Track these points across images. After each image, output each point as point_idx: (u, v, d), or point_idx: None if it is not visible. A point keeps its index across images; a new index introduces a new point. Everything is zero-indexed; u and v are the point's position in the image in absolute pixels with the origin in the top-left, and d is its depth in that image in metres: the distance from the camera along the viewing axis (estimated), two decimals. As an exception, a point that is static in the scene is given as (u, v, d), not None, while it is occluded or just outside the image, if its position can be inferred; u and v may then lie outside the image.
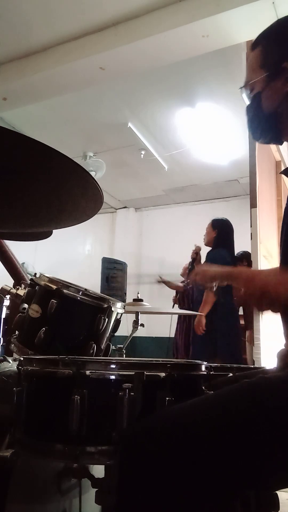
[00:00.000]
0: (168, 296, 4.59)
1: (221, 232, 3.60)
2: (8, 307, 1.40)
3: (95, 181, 1.01)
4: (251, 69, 1.07)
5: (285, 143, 1.13)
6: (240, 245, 4.26)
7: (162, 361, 0.91)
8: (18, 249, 1.99)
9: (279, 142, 1.10)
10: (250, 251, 2.91)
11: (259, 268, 2.74)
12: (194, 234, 4.46)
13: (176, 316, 4.30)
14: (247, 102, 1.08)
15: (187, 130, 4.82)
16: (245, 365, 0.94)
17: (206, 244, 3.72)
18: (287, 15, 1.06)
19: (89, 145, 5.27)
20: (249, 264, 3.48)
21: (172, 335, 4.31)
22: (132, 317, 2.08)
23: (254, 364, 2.65)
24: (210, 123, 4.60)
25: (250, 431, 0.70)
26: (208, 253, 3.60)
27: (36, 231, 1.56)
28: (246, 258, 3.71)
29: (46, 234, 1.60)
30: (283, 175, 1.19)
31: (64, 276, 1.40)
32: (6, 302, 1.39)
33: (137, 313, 2.09)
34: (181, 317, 4.16)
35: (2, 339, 1.36)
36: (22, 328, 1.33)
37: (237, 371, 1.07)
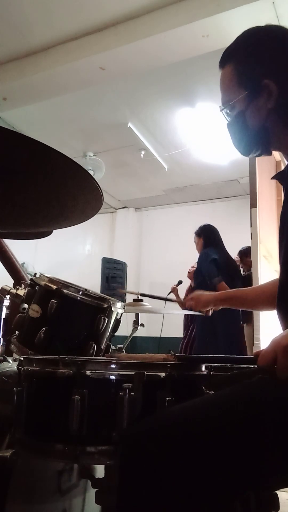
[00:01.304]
0: (168, 296, 4.59)
1: (206, 236, 3.84)
2: (8, 307, 1.40)
3: (95, 181, 1.01)
4: (227, 88, 1.05)
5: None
6: (240, 245, 4.26)
7: (162, 361, 0.91)
8: (18, 249, 1.99)
9: (268, 154, 1.10)
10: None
11: (259, 268, 2.74)
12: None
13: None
14: (228, 120, 1.07)
15: (187, 130, 4.82)
16: (245, 365, 0.94)
17: (198, 251, 3.90)
18: (249, 28, 1.04)
19: (89, 145, 5.27)
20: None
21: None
22: (132, 317, 2.08)
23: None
24: (210, 123, 4.60)
25: (250, 431, 0.70)
26: (200, 253, 3.77)
27: (36, 231, 1.56)
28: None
29: (46, 233, 1.60)
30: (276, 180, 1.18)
31: (64, 276, 1.40)
32: (6, 302, 1.39)
33: (137, 313, 2.09)
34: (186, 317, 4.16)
35: (2, 339, 1.36)
36: (22, 328, 1.33)
37: (237, 371, 1.07)
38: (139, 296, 1.75)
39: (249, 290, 1.50)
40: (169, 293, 4.22)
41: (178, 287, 4.32)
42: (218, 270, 3.46)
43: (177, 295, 4.22)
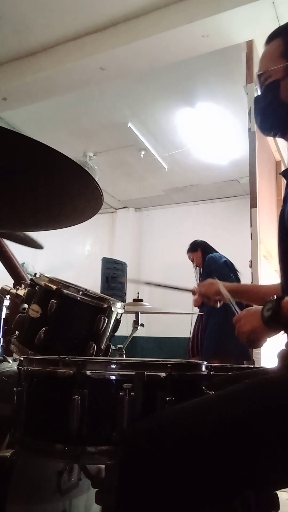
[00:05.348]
0: (168, 296, 4.58)
1: (203, 247, 3.97)
2: (8, 307, 1.40)
3: (95, 181, 1.01)
4: (269, 59, 1.06)
5: (285, 142, 1.12)
6: (240, 245, 4.26)
7: (162, 361, 0.91)
8: (18, 249, 1.99)
9: (283, 136, 1.09)
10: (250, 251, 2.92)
11: (259, 268, 2.74)
12: (194, 234, 4.46)
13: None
14: (258, 92, 1.07)
15: (187, 130, 4.82)
16: (245, 365, 0.94)
17: (198, 265, 3.99)
18: None
19: (89, 145, 5.27)
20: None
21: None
22: (132, 317, 2.08)
23: (254, 364, 2.65)
24: (210, 123, 4.60)
25: (250, 431, 0.70)
26: (206, 261, 3.82)
27: (36, 231, 1.56)
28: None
29: (38, 246, 1.61)
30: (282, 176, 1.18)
31: (64, 276, 1.40)
32: (6, 302, 1.39)
33: (137, 313, 2.10)
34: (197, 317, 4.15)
35: (2, 339, 1.36)
36: (22, 328, 1.33)
37: (237, 371, 1.07)
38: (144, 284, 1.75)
39: (261, 286, 1.48)
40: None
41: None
42: (229, 272, 3.51)
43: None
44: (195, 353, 3.79)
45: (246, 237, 2.87)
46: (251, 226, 2.79)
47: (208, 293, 1.41)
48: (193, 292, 1.54)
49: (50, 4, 3.15)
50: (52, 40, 3.53)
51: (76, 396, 0.82)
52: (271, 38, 1.07)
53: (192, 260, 4.05)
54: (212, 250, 3.94)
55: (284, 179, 1.13)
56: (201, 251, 3.94)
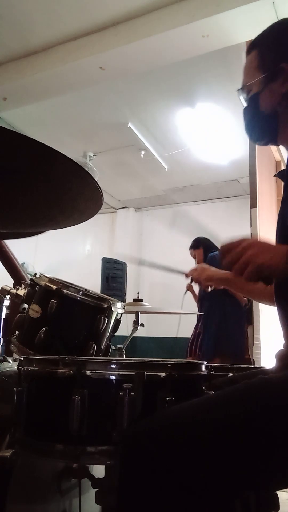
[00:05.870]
0: (168, 296, 4.58)
1: (205, 244, 3.93)
2: (8, 307, 1.40)
3: (95, 181, 1.01)
4: (248, 72, 1.08)
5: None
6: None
7: (162, 361, 0.91)
8: (18, 249, 1.99)
9: (275, 143, 1.10)
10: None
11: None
12: (194, 234, 4.46)
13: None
14: (244, 105, 1.09)
15: (187, 130, 4.83)
16: (245, 365, 0.95)
17: (200, 262, 3.92)
18: (282, 18, 1.08)
19: (89, 145, 5.27)
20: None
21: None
22: (132, 317, 2.08)
23: (254, 364, 2.65)
24: (210, 123, 4.60)
25: (250, 431, 0.70)
26: (208, 259, 3.78)
27: (36, 231, 1.55)
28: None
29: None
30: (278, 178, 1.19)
31: (64, 276, 1.40)
32: (6, 302, 1.39)
33: (137, 313, 2.10)
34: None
35: (2, 339, 1.36)
36: (22, 328, 1.33)
37: (237, 371, 1.07)
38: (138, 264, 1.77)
39: None
40: (186, 292, 4.16)
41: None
42: None
43: (193, 292, 4.12)
44: (193, 353, 3.78)
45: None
46: (251, 226, 2.80)
47: (200, 278, 1.45)
48: (186, 275, 1.58)
49: (50, 4, 3.16)
50: (52, 40, 3.53)
51: (76, 396, 0.82)
52: (248, 51, 1.09)
53: (194, 257, 4.01)
54: (215, 248, 3.91)
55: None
56: (203, 249, 3.90)
